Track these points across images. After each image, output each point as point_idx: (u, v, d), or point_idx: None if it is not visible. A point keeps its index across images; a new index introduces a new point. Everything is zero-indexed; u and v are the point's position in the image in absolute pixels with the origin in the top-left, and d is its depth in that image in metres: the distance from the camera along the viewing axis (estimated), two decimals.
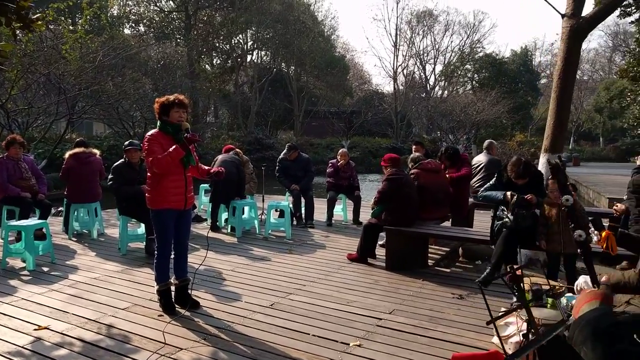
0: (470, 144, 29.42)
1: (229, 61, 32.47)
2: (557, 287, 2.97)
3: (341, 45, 42.14)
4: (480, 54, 38.24)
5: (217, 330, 3.62)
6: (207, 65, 32.61)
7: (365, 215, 8.13)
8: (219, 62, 33.87)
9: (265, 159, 20.28)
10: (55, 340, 3.40)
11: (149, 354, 3.18)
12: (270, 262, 5.55)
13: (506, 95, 29.39)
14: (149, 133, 3.96)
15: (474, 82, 38.25)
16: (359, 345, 3.37)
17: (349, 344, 3.39)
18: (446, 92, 38.31)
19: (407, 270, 5.16)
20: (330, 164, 8.03)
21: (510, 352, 3.19)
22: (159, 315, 3.88)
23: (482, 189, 4.70)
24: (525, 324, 3.19)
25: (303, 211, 7.66)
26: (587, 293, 1.26)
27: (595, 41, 55.28)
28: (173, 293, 4.09)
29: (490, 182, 4.63)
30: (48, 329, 3.59)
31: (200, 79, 26.79)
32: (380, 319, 3.85)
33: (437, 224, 5.78)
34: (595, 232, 2.80)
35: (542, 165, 5.47)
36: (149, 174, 3.99)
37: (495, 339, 3.39)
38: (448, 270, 5.41)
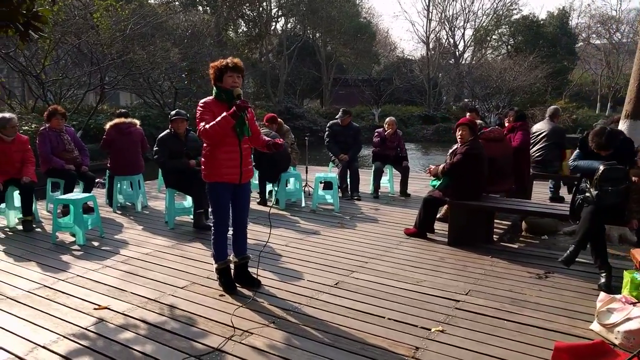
0: (506, 112, 28.38)
1: (256, 29, 31.79)
2: None
3: (366, 11, 40.79)
4: (517, 16, 36.39)
5: (284, 313, 3.39)
6: (232, 33, 32.03)
7: (414, 187, 7.82)
8: (245, 30, 33.22)
9: (296, 129, 19.91)
10: (118, 321, 3.23)
11: (220, 340, 2.97)
12: (323, 236, 5.30)
13: (545, 60, 27.96)
14: (203, 100, 3.67)
15: (509, 47, 36.55)
16: (441, 331, 3.10)
17: (430, 329, 3.12)
18: (475, 58, 36.79)
19: (471, 245, 4.84)
20: (376, 133, 7.65)
21: (617, 342, 2.88)
22: (220, 295, 3.68)
23: (571, 159, 4.27)
24: (635, 310, 2.86)
25: (348, 182, 7.36)
26: None
27: (635, 0, 52.08)
28: (232, 271, 3.89)
29: (576, 152, 4.20)
30: (109, 309, 3.43)
31: (228, 47, 26.31)
32: (458, 301, 3.56)
33: (502, 196, 5.40)
34: None
35: (626, 132, 4.98)
36: (204, 144, 3.72)
37: (595, 326, 3.07)
38: (515, 245, 5.07)
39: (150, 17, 16.37)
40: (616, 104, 43.62)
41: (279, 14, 32.66)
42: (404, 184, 7.51)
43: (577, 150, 4.21)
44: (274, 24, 33.19)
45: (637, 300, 3.00)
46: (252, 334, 3.06)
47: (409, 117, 25.74)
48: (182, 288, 3.82)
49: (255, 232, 5.13)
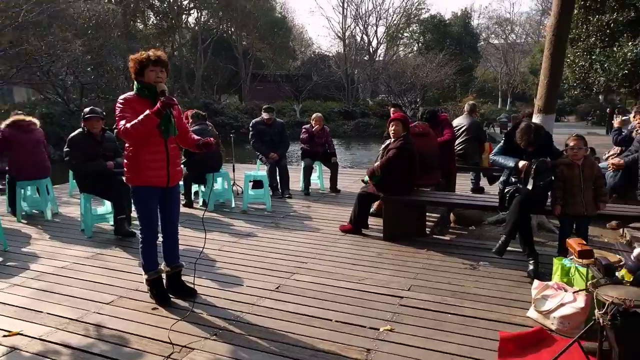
0: (417, 107, 29.66)
1: (167, 21, 30.33)
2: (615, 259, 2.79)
3: (281, 6, 40.66)
4: (426, 15, 38.21)
5: (226, 323, 3.18)
6: (141, 25, 30.30)
7: (343, 183, 7.84)
8: (155, 22, 31.57)
9: (216, 125, 19.31)
10: (34, 348, 2.83)
11: (158, 359, 2.70)
12: (258, 238, 5.11)
13: (452, 58, 29.63)
14: (122, 96, 3.33)
15: (419, 44, 38.28)
16: (390, 330, 3.07)
17: (379, 329, 3.08)
18: (388, 55, 38.11)
19: (406, 239, 4.91)
20: (304, 130, 7.55)
21: (553, 327, 3.01)
22: (152, 309, 3.38)
23: (493, 152, 4.45)
24: (567, 296, 3.01)
25: (278, 180, 7.20)
26: None
27: (526, 4, 56.91)
28: (164, 282, 3.59)
29: (500, 145, 4.39)
30: (21, 334, 3.00)
31: (137, 40, 24.84)
32: (402, 297, 3.56)
33: (431, 190, 5.55)
34: None
35: None
36: (125, 144, 3.38)
37: (532, 313, 3.21)
38: (446, 237, 5.22)
39: (46, 4, 14.91)
40: (514, 99, 47.47)
41: (191, 6, 31.46)
42: (333, 180, 7.50)
43: (501, 144, 4.39)
44: (185, 16, 31.93)
45: (568, 286, 3.17)
46: (193, 349, 2.83)
47: (329, 112, 26.00)
48: (108, 304, 3.46)
49: (186, 238, 4.81)
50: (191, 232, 5.20)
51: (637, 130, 5.48)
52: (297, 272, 4.08)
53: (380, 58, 37.84)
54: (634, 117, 5.87)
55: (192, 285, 3.62)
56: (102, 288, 3.74)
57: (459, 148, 6.86)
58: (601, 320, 2.30)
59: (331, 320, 3.21)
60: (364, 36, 37.29)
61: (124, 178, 3.48)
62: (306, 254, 4.54)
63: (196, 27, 31.30)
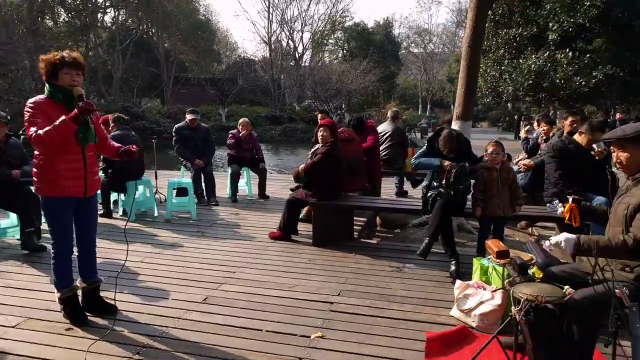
0: (343, 112, 30.27)
1: (79, 20, 28.51)
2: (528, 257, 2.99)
3: (204, 9, 39.83)
4: (350, 23, 39.19)
5: (150, 339, 3.02)
6: (51, 22, 28.25)
7: (272, 189, 7.78)
8: (67, 19, 29.57)
9: (136, 130, 18.44)
10: None
11: None
12: (184, 248, 4.91)
13: (376, 65, 30.61)
14: (32, 100, 3.07)
15: (344, 51, 39.17)
16: (321, 337, 3.07)
17: (310, 337, 3.07)
18: (314, 61, 38.63)
19: (335, 245, 4.96)
20: (230, 135, 7.40)
21: (474, 324, 3.17)
22: (67, 329, 3.12)
23: (414, 156, 4.62)
24: (486, 294, 3.18)
25: (204, 187, 6.99)
26: None
27: (442, 17, 60.37)
28: (80, 299, 3.34)
29: (422, 150, 4.57)
30: None
31: (47, 38, 23.12)
32: (332, 303, 3.58)
33: (358, 194, 5.65)
34: (560, 204, 2.82)
35: None
36: (35, 151, 3.12)
37: (455, 312, 3.35)
38: (373, 241, 5.34)
39: None
40: (434, 105, 49.98)
41: (107, 4, 29.86)
42: (262, 186, 7.42)
43: (424, 148, 4.58)
44: (101, 15, 30.24)
45: (486, 285, 3.36)
46: None
47: (256, 117, 25.78)
48: (14, 327, 3.15)
49: (105, 250, 4.52)
50: (111, 244, 4.89)
51: (542, 137, 5.95)
52: (225, 282, 3.97)
53: (306, 64, 38.25)
54: (538, 125, 6.38)
55: (112, 301, 3.39)
56: (5, 310, 3.40)
57: (383, 153, 7.06)
58: (517, 316, 2.44)
59: (261, 330, 3.15)
60: (290, 42, 37.50)
61: (32, 188, 3.20)
62: (234, 263, 4.44)
63: (113, 27, 29.73)
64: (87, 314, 3.28)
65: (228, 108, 28.91)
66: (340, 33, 39.88)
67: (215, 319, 3.31)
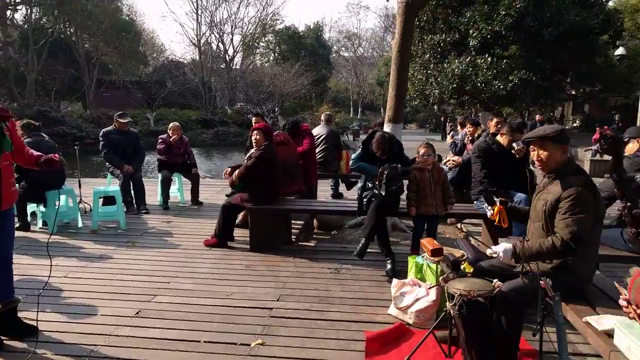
0: (276, 115, 30.19)
1: None
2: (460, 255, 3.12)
3: (128, 8, 38.14)
4: (281, 26, 39.20)
5: None
6: None
7: (205, 194, 7.58)
8: None
9: (56, 136, 17.24)
10: None
11: None
12: (112, 260, 4.65)
13: (308, 68, 30.84)
14: None
15: (276, 54, 39.11)
16: (262, 344, 3.02)
17: (250, 345, 3.01)
18: (245, 63, 38.22)
19: (273, 249, 4.92)
20: (160, 140, 7.12)
21: (411, 321, 3.26)
22: None
23: (353, 159, 4.69)
24: (421, 291, 3.29)
25: (133, 195, 6.67)
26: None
27: (370, 22, 62.08)
28: None
29: (358, 152, 4.65)
30: None
31: None
32: (271, 309, 3.54)
33: (295, 198, 5.64)
34: (488, 207, 2.97)
35: None
36: None
37: (393, 310, 3.43)
38: (311, 244, 5.35)
39: None
40: (364, 108, 51.16)
41: (17, 0, 27.77)
42: (195, 192, 7.21)
43: (359, 151, 4.67)
44: (11, 12, 28.07)
45: (421, 282, 3.47)
46: None
47: (186, 121, 25.02)
48: None
49: (23, 267, 4.18)
50: (30, 260, 4.53)
51: (468, 138, 6.26)
52: (159, 294, 3.81)
53: (237, 66, 37.77)
54: (462, 127, 6.72)
55: (33, 322, 3.13)
56: None
57: (319, 156, 7.10)
58: (451, 311, 2.54)
59: (199, 341, 3.05)
60: (220, 44, 36.86)
61: None
62: (168, 273, 4.27)
63: (25, 25, 27.68)
64: (3, 338, 3.01)
65: (156, 112, 27.83)
66: (272, 36, 39.83)
67: (149, 332, 3.16)
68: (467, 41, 18.47)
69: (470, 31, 18.02)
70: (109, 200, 6.23)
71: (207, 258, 4.73)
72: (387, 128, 5.92)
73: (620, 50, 17.31)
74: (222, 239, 5.08)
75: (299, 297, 3.77)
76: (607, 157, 11.95)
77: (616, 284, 1.65)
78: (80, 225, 5.84)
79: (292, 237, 5.43)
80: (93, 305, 3.58)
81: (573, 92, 23.54)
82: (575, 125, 27.85)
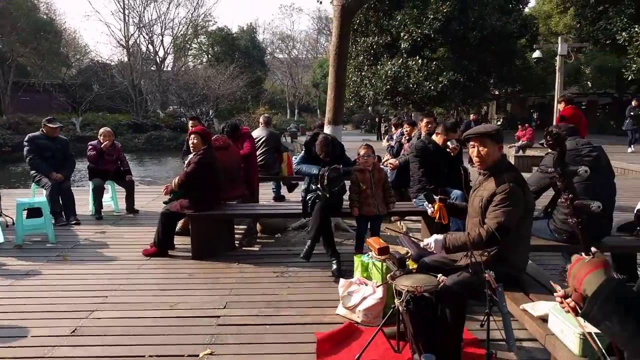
0: (211, 118, 29.58)
1: None
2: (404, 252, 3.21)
3: (46, 7, 35.86)
4: (213, 28, 38.46)
5: None
6: None
7: (141, 202, 7.29)
8: None
9: None
10: None
11: None
12: (42, 276, 4.34)
13: (243, 70, 30.53)
14: None
15: (209, 56, 38.33)
16: (211, 354, 2.95)
17: (198, 355, 2.93)
18: (177, 65, 37.13)
19: (216, 255, 4.82)
20: (90, 146, 6.75)
21: (359, 320, 3.32)
22: None
23: (296, 162, 4.69)
24: (368, 289, 3.36)
25: (62, 205, 6.27)
26: (587, 263, 1.30)
27: (304, 24, 62.51)
28: None
29: (301, 154, 4.66)
30: None
31: None
32: (218, 317, 3.46)
33: (237, 202, 5.56)
34: (429, 204, 3.09)
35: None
36: None
37: (341, 310, 3.47)
38: (255, 248, 5.30)
39: None
40: (301, 109, 51.41)
41: None
42: (130, 199, 6.89)
43: (302, 153, 4.68)
44: None
45: (368, 280, 3.54)
46: None
47: (116, 126, 23.91)
48: None
49: None
50: None
51: (405, 138, 6.46)
52: (97, 309, 3.60)
53: (169, 68, 36.63)
54: (396, 128, 6.93)
55: None
56: None
57: (259, 159, 7.05)
58: (399, 307, 2.62)
59: (143, 356, 2.93)
60: (150, 45, 35.58)
61: None
62: (106, 287, 4.05)
63: None
64: None
65: (83, 117, 26.37)
66: (204, 37, 39.00)
67: (88, 351, 2.99)
68: (398, 43, 19.10)
69: (402, 34, 18.65)
70: (34, 212, 5.81)
71: (147, 268, 4.54)
72: (327, 130, 5.99)
73: (537, 54, 18.60)
74: (162, 247, 4.90)
75: (246, 303, 3.71)
76: (529, 153, 12.82)
77: (552, 283, 1.77)
78: (1, 240, 5.40)
79: (236, 242, 5.34)
80: (23, 326, 3.32)
81: (496, 92, 25.00)
82: (499, 123, 29.58)
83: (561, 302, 1.50)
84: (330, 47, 6.11)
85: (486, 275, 2.09)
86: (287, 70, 50.75)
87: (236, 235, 5.52)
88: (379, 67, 19.11)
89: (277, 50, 55.24)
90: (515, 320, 2.68)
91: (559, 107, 7.36)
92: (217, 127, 23.57)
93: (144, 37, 35.04)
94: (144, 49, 35.17)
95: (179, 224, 5.50)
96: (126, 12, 32.90)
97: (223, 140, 5.82)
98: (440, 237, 2.73)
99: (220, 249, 4.95)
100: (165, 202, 5.36)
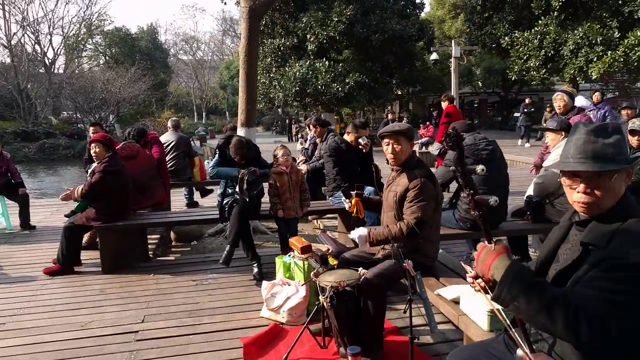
0: (112, 123, 27.86)
1: None
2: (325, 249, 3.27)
3: None
4: (110, 27, 36.19)
5: None
6: None
7: (37, 217, 6.71)
8: None
9: None
10: None
11: None
12: None
13: (145, 73, 29.09)
14: None
15: (107, 57, 36.01)
16: None
17: None
18: (70, 67, 34.43)
19: (129, 268, 4.58)
20: None
21: (284, 320, 3.35)
22: None
23: (210, 166, 4.58)
24: (291, 289, 3.41)
25: None
26: (492, 250, 1.44)
27: (208, 24, 61.13)
28: None
29: (215, 159, 4.56)
30: None
31: None
32: (137, 332, 3.30)
33: (148, 211, 5.31)
34: (346, 200, 3.19)
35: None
36: None
37: (265, 312, 3.48)
38: (171, 258, 5.11)
39: None
40: (209, 112, 50.13)
41: None
42: (24, 215, 6.29)
43: (217, 157, 4.59)
44: None
45: (290, 280, 3.57)
46: None
47: (2, 134, 21.62)
48: None
49: None
50: None
51: (317, 139, 6.59)
52: None
53: (61, 71, 33.88)
54: (310, 129, 7.04)
55: None
56: None
57: (170, 165, 6.79)
58: (324, 303, 2.68)
59: None
60: (37, 46, 32.63)
61: None
62: (5, 312, 3.68)
63: None
64: None
65: None
66: (100, 38, 36.57)
67: None
68: (305, 45, 19.39)
69: (308, 36, 18.96)
70: None
71: (51, 288, 4.19)
72: (241, 132, 5.94)
73: (434, 56, 19.87)
74: (66, 264, 4.55)
75: (166, 314, 3.58)
76: (426, 150, 13.67)
77: (462, 263, 1.93)
78: None
79: (149, 253, 5.11)
80: None
81: (399, 92, 26.29)
82: (403, 122, 31.18)
83: (472, 282, 1.65)
84: (239, 49, 6.04)
85: (405, 264, 2.22)
86: (192, 72, 49.25)
87: (150, 246, 5.29)
88: (287, 68, 19.25)
89: (181, 52, 53.46)
90: (432, 305, 2.87)
91: (442, 105, 8.11)
92: (119, 134, 22.26)
93: (29, 36, 32.09)
94: (29, 49, 32.20)
95: (85, 237, 5.13)
96: (6, 8, 29.90)
97: (129, 148, 5.53)
98: (364, 232, 2.84)
99: (133, 261, 4.71)
100: (67, 215, 4.99)
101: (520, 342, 1.47)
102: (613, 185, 1.42)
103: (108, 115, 26.14)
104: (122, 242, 4.66)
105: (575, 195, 1.47)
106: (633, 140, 3.87)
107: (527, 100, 16.87)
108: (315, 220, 6.48)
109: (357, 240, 2.82)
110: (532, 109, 16.62)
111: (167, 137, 7.01)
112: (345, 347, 2.70)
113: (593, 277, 1.32)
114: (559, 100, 4.99)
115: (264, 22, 20.09)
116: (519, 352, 1.48)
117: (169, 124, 7.46)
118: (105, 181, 4.54)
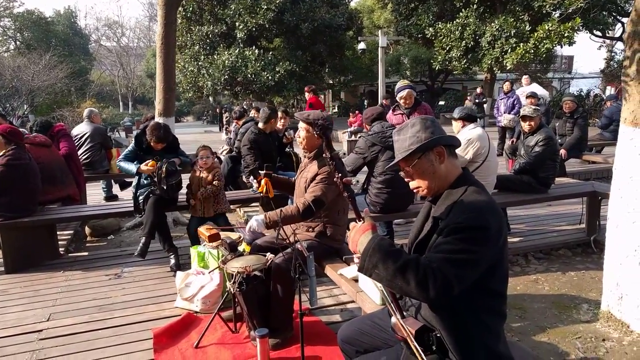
0: (25, 114, 25.90)
1: None
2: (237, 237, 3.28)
3: None
4: (20, 10, 33.35)
5: None
6: None
7: None
8: None
9: None
10: None
11: None
12: None
13: (62, 60, 27.22)
14: None
15: (17, 43, 33.30)
16: None
17: None
18: None
19: (36, 266, 4.36)
20: None
21: (198, 309, 3.36)
22: None
23: (122, 156, 4.41)
24: (205, 278, 3.42)
25: None
26: (359, 228, 1.55)
27: (134, 10, 58.28)
28: None
29: (129, 149, 4.41)
30: None
31: None
32: (40, 331, 3.16)
33: (59, 205, 5.05)
34: (254, 180, 3.20)
35: None
36: None
37: (180, 302, 3.46)
38: (85, 253, 4.90)
39: None
40: (136, 102, 47.94)
41: None
42: None
43: (130, 147, 4.43)
44: None
45: (205, 269, 3.57)
46: None
47: None
48: None
49: None
50: None
51: (238, 128, 6.55)
52: None
53: None
54: (238, 120, 7.00)
55: None
56: None
57: (84, 157, 6.48)
58: (232, 290, 2.72)
59: None
60: None
61: None
62: None
63: None
64: None
65: None
66: (9, 21, 33.73)
67: None
68: (234, 33, 19.05)
69: (237, 23, 18.63)
70: None
71: None
72: (159, 121, 5.76)
73: (361, 45, 20.21)
74: None
75: (74, 311, 3.45)
76: (355, 138, 13.99)
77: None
78: None
79: (61, 249, 4.87)
80: None
81: (331, 82, 26.54)
82: (335, 111, 31.54)
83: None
84: (157, 37, 5.85)
85: (299, 246, 2.30)
86: (116, 60, 46.78)
87: (62, 242, 5.04)
88: (216, 56, 18.83)
89: (104, 38, 50.52)
90: (338, 287, 2.99)
91: (306, 96, 8.54)
92: (33, 124, 20.74)
93: None
94: None
95: None
96: None
97: (43, 138, 5.24)
98: (261, 217, 2.88)
99: (40, 259, 4.47)
100: None
101: (392, 310, 1.60)
102: (425, 168, 1.66)
103: (21, 105, 24.26)
104: (27, 240, 4.40)
105: (410, 184, 1.74)
106: (525, 126, 4.18)
107: (478, 90, 16.95)
108: (239, 209, 6.46)
109: (254, 225, 2.83)
110: (485, 100, 16.48)
111: (81, 129, 6.68)
112: (255, 330, 2.75)
113: (439, 243, 1.52)
114: (407, 97, 4.95)
115: (191, 9, 19.48)
116: (393, 319, 1.60)
117: (84, 113, 7.10)
118: (7, 176, 4.27)
